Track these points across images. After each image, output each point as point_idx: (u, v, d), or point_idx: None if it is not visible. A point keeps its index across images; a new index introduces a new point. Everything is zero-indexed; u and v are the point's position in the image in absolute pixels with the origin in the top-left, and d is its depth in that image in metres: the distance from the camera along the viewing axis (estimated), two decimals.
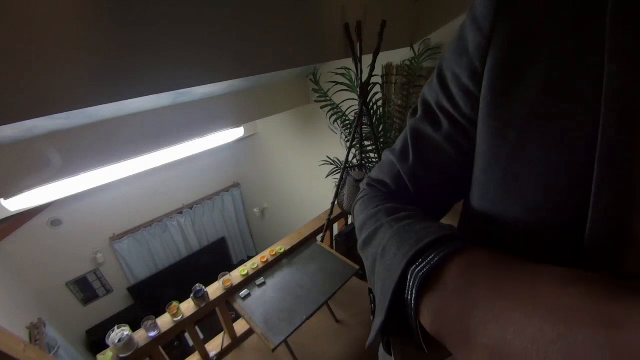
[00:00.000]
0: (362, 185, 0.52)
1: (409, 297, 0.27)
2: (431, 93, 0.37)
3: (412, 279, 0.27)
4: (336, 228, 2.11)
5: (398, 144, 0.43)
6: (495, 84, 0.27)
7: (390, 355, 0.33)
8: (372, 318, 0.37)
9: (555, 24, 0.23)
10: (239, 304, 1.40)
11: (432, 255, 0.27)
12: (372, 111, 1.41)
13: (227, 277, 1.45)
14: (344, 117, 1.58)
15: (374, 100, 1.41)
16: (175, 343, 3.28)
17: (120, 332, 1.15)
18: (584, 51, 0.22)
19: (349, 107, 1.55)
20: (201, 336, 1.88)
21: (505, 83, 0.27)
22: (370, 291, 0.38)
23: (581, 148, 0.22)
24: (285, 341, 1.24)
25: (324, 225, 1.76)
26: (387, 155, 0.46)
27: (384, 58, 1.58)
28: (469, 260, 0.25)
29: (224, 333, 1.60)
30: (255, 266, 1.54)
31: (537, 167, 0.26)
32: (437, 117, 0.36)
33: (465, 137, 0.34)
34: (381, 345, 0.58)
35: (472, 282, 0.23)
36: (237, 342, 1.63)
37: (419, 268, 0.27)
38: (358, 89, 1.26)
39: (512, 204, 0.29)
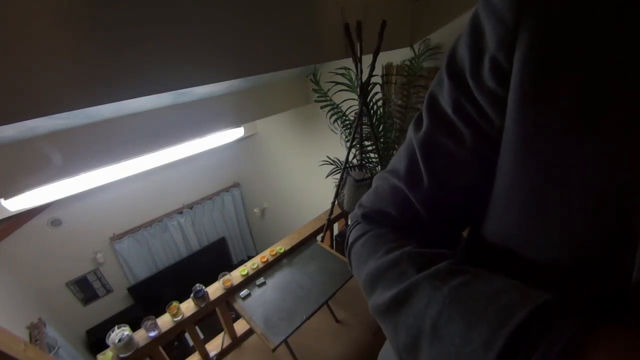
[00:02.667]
0: (354, 217, 0.43)
1: None
2: (445, 99, 0.30)
3: None
4: (336, 228, 2.11)
5: (400, 165, 0.36)
6: (524, 87, 0.23)
7: None
8: None
9: (594, 17, 0.19)
10: (239, 304, 1.40)
11: (544, 346, 0.17)
12: (372, 111, 1.41)
13: (227, 277, 1.45)
14: (344, 117, 1.58)
15: (374, 100, 1.41)
16: (175, 343, 3.28)
17: (120, 332, 1.15)
18: (634, 49, 0.18)
19: (349, 107, 1.55)
20: (201, 336, 1.88)
21: (536, 86, 0.22)
22: None
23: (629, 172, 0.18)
24: (285, 341, 1.24)
25: (324, 225, 1.76)
26: (385, 179, 0.38)
27: (384, 58, 1.58)
28: (609, 349, 0.16)
29: (224, 333, 1.60)
30: (255, 266, 1.54)
31: (574, 189, 0.21)
32: (457, 128, 0.29)
33: (493, 149, 0.28)
34: (385, 348, 0.56)
35: None
36: (237, 342, 1.63)
37: None
38: (358, 89, 1.26)
39: (537, 231, 0.24)
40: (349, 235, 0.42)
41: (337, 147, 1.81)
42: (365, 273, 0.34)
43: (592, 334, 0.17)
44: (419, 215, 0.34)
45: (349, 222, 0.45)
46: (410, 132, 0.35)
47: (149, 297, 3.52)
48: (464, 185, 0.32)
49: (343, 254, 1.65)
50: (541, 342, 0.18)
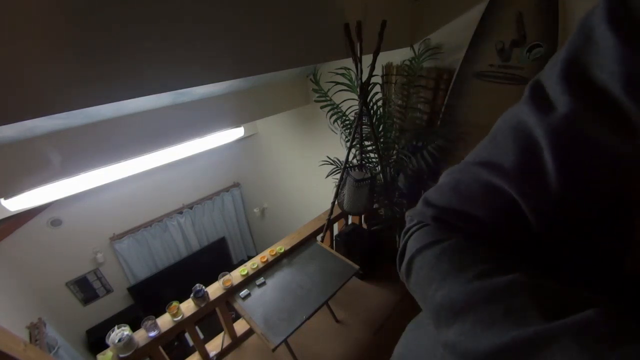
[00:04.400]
0: (417, 215, 0.34)
1: None
2: (607, 67, 0.20)
3: None
4: (336, 228, 2.11)
5: (504, 157, 0.26)
6: None
7: None
8: None
9: None
10: (239, 304, 1.40)
11: None
12: (372, 111, 1.40)
13: (227, 277, 1.45)
14: (344, 117, 1.58)
15: (374, 100, 1.41)
16: (175, 343, 3.28)
17: (120, 332, 1.14)
18: None
19: (349, 107, 1.55)
20: (201, 336, 1.88)
21: None
22: None
23: None
24: (285, 341, 1.24)
25: (324, 225, 1.76)
26: (471, 173, 0.29)
27: (384, 58, 1.58)
28: None
29: (224, 333, 1.60)
30: (255, 266, 1.54)
31: None
32: (624, 111, 0.19)
33: None
34: (403, 344, 0.52)
35: None
36: (237, 342, 1.63)
37: None
38: (358, 89, 1.26)
39: None
40: (407, 239, 0.33)
41: (337, 147, 1.80)
42: (442, 295, 0.26)
43: None
44: (525, 229, 0.25)
45: (407, 221, 0.35)
46: (522, 115, 0.24)
47: (149, 297, 3.52)
48: (610, 192, 0.22)
49: (343, 254, 1.66)
50: None
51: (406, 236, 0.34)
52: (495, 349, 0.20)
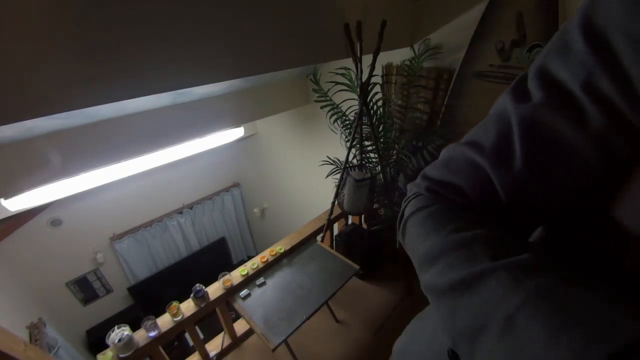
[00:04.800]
0: (415, 187, 0.39)
1: None
2: (572, 68, 0.23)
3: None
4: (336, 228, 2.11)
5: (486, 139, 0.30)
6: None
7: None
8: None
9: None
10: (239, 304, 1.40)
11: None
12: (372, 111, 1.40)
13: (227, 277, 1.45)
14: (344, 117, 1.58)
15: (374, 100, 1.41)
16: (175, 343, 3.28)
17: (120, 332, 1.14)
18: None
19: (349, 107, 1.55)
20: (201, 336, 1.88)
21: None
22: (454, 356, 0.27)
23: None
24: (285, 341, 1.24)
25: (324, 225, 1.76)
26: (460, 151, 0.33)
27: (384, 58, 1.58)
28: None
29: (224, 333, 1.60)
30: (255, 266, 1.54)
31: None
32: (582, 107, 0.23)
33: (629, 138, 0.22)
34: (404, 340, 0.54)
35: None
36: (237, 342, 1.63)
37: None
38: (358, 89, 1.26)
39: None
40: (405, 206, 0.38)
41: (337, 147, 1.81)
42: (425, 247, 0.31)
43: None
44: (497, 200, 0.30)
45: (407, 191, 0.41)
46: (505, 103, 0.29)
47: (149, 297, 3.52)
48: (567, 175, 0.26)
49: (343, 254, 1.66)
50: None
51: (405, 203, 0.40)
52: (452, 283, 0.26)
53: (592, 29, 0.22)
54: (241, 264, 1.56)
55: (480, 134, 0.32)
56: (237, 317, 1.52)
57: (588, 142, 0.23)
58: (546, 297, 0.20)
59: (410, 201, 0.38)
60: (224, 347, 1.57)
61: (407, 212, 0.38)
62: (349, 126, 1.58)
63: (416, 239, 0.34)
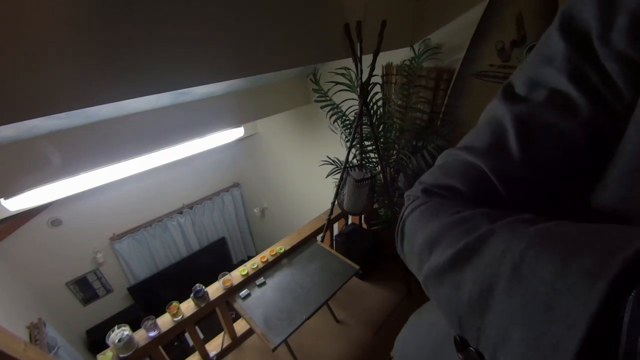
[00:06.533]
0: (412, 193, 0.40)
1: None
2: (557, 66, 0.26)
3: None
4: (336, 228, 2.11)
5: (480, 142, 0.32)
6: None
7: None
8: None
9: None
10: (239, 304, 1.40)
11: None
12: (372, 111, 1.40)
13: (227, 277, 1.45)
14: (344, 117, 1.58)
15: (374, 100, 1.41)
16: (175, 343, 3.28)
17: (120, 332, 1.14)
18: None
19: (349, 107, 1.55)
20: (201, 336, 1.89)
21: None
22: (464, 343, 0.24)
23: None
24: (285, 341, 1.23)
25: (324, 225, 1.76)
26: (453, 155, 0.35)
27: (384, 58, 1.58)
28: None
29: (224, 333, 1.60)
30: (255, 266, 1.54)
31: None
32: (570, 97, 0.26)
33: (612, 122, 0.24)
34: (403, 335, 0.56)
35: None
36: (237, 342, 1.63)
37: None
38: (358, 89, 1.26)
39: None
40: (403, 212, 0.38)
41: (337, 147, 1.81)
42: (423, 236, 0.31)
43: None
44: (494, 193, 0.30)
45: (405, 200, 0.41)
46: (497, 108, 0.31)
47: (149, 297, 3.52)
48: (561, 161, 0.27)
49: (343, 254, 1.66)
50: None
51: (402, 211, 0.40)
52: (454, 256, 0.25)
53: (572, 32, 0.25)
54: (241, 264, 1.56)
55: (473, 139, 0.34)
56: (237, 317, 1.52)
57: (579, 127, 0.25)
58: (547, 238, 0.20)
59: (407, 206, 0.39)
60: (224, 347, 1.57)
61: (404, 216, 0.38)
62: (349, 126, 1.58)
63: (415, 234, 0.34)
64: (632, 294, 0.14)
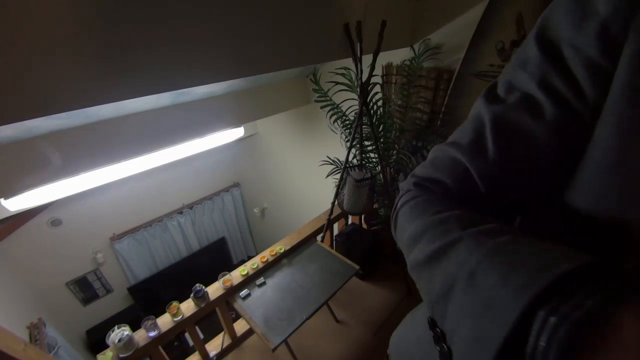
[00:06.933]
0: (405, 185, 0.44)
1: (543, 353, 0.18)
2: (529, 71, 0.29)
3: (550, 328, 0.18)
4: (336, 228, 2.11)
5: (464, 138, 0.35)
6: None
7: None
8: None
9: None
10: (239, 304, 1.40)
11: (583, 295, 0.17)
12: (372, 111, 1.40)
13: (227, 277, 1.45)
14: (344, 117, 1.58)
15: (374, 100, 1.41)
16: (175, 343, 3.28)
17: (120, 332, 1.14)
18: None
19: (349, 107, 1.55)
20: (201, 336, 1.88)
21: None
22: (433, 323, 0.29)
23: None
24: (285, 341, 1.23)
25: (324, 225, 1.76)
26: (443, 150, 0.38)
27: (384, 58, 1.58)
28: None
29: (224, 333, 1.60)
30: (255, 266, 1.54)
31: None
32: (538, 102, 0.28)
33: (578, 126, 0.26)
34: (394, 344, 0.57)
35: None
36: (237, 342, 1.63)
37: (560, 313, 0.17)
38: (358, 89, 1.26)
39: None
40: (397, 202, 0.43)
41: (337, 147, 1.81)
42: (410, 231, 0.36)
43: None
44: (476, 189, 0.34)
45: (400, 192, 0.45)
46: (480, 106, 0.34)
47: (149, 297, 3.52)
48: (533, 161, 0.30)
49: (343, 254, 1.66)
50: (581, 292, 0.18)
51: (397, 200, 0.44)
52: (431, 252, 0.30)
53: (545, 41, 0.28)
54: (241, 264, 1.56)
55: (459, 135, 0.37)
56: (237, 317, 1.52)
57: (546, 130, 0.28)
58: (500, 252, 0.24)
59: (400, 197, 0.43)
60: (224, 347, 1.57)
61: (398, 206, 0.42)
62: (349, 126, 1.58)
63: (404, 227, 0.38)
64: (541, 312, 0.18)
